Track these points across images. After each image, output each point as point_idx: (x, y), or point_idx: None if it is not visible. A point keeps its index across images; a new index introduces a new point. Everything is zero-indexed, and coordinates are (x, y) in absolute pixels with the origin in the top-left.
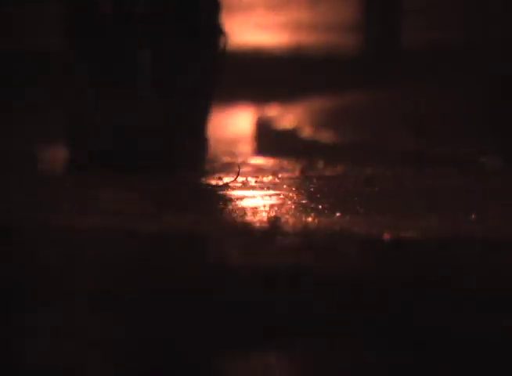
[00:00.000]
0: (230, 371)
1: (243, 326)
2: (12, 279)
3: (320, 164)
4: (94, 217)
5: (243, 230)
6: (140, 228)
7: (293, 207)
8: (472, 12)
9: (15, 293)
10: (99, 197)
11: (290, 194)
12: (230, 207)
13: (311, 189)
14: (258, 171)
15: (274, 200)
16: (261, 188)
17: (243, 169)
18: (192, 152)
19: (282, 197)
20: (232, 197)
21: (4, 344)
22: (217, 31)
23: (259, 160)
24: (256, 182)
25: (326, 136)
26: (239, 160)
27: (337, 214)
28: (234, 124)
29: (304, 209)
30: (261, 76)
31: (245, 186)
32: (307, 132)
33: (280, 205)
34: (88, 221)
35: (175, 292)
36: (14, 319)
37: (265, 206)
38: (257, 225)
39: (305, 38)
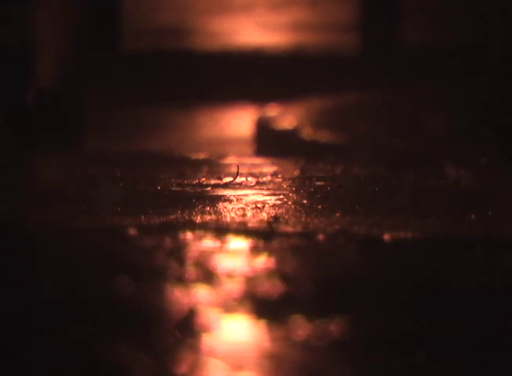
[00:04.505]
0: None
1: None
2: None
3: (320, 164)
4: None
5: (242, 230)
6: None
7: (293, 207)
8: (472, 11)
9: None
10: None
11: (290, 194)
12: (230, 207)
13: (311, 189)
14: (258, 171)
15: (274, 200)
16: (261, 188)
17: (243, 169)
18: None
19: (282, 196)
20: (232, 197)
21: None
22: None
23: (259, 161)
24: (256, 182)
25: (326, 136)
26: (239, 160)
27: (337, 214)
28: (234, 124)
29: (304, 209)
30: (261, 76)
31: (245, 186)
32: (307, 132)
33: (280, 205)
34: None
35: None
36: None
37: (264, 206)
38: (257, 225)
39: (305, 38)
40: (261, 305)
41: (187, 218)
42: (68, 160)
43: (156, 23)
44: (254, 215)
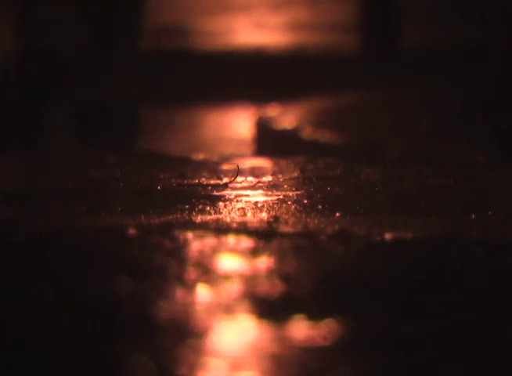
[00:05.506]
0: None
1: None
2: None
3: (320, 164)
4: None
5: (242, 230)
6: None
7: (293, 207)
8: (472, 11)
9: None
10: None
11: (290, 194)
12: (230, 207)
13: (311, 189)
14: (258, 171)
15: (274, 200)
16: (261, 188)
17: (243, 169)
18: None
19: (282, 197)
20: (232, 197)
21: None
22: None
23: (259, 161)
24: (256, 182)
25: (326, 136)
26: (239, 160)
27: (337, 214)
28: (234, 124)
29: (304, 209)
30: (261, 76)
31: (245, 186)
32: (307, 132)
33: (280, 205)
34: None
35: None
36: None
37: (264, 206)
38: (257, 225)
39: (305, 38)
40: (261, 305)
41: (187, 218)
42: (69, 159)
43: (156, 23)
44: (254, 215)
